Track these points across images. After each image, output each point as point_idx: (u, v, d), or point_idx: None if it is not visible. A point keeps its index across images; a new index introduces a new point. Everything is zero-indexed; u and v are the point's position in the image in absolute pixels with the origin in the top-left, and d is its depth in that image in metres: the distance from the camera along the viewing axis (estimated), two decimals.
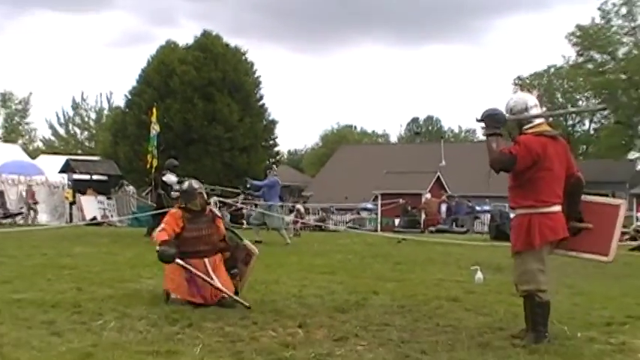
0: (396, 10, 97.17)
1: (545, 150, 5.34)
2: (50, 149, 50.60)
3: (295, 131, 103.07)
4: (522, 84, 55.58)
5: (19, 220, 22.46)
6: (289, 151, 78.90)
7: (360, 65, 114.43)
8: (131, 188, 26.96)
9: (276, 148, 41.08)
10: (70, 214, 24.44)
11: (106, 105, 58.30)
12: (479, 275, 8.91)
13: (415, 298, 7.50)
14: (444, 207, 28.99)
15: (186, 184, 7.41)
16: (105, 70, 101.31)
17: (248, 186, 18.06)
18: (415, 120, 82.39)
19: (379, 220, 31.09)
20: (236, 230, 8.66)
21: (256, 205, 17.43)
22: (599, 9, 49.40)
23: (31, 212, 24.12)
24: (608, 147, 52.72)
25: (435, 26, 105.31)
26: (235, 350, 5.17)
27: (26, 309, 6.40)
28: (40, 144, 59.44)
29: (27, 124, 61.62)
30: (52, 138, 59.38)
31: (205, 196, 7.44)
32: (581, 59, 51.85)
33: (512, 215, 6.53)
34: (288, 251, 13.60)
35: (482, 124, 5.48)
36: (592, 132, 59.06)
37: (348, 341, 5.52)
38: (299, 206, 29.78)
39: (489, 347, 5.33)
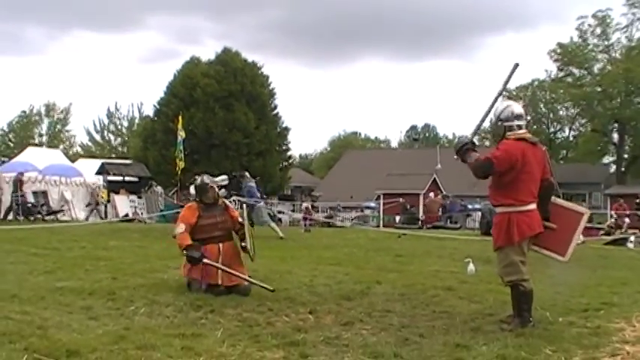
0: (397, 29, 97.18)
1: (525, 155, 5.33)
2: (87, 154, 50.77)
3: (306, 137, 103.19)
4: (509, 95, 55.39)
5: (60, 216, 22.44)
6: (300, 155, 78.81)
7: (365, 78, 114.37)
8: (159, 188, 26.99)
9: (288, 153, 41.27)
10: (105, 212, 24.50)
11: (137, 114, 58.64)
12: (471, 267, 8.88)
13: (414, 287, 7.48)
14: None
15: (198, 180, 7.32)
16: (136, 83, 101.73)
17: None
18: (414, 127, 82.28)
19: (381, 217, 31.03)
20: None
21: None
22: (577, 29, 49.56)
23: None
24: (586, 152, 52.75)
25: (433, 44, 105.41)
26: (253, 334, 5.18)
27: (67, 296, 6.43)
28: (79, 149, 59.69)
29: (67, 131, 62.21)
30: (89, 144, 59.59)
31: (216, 189, 7.38)
32: (561, 74, 52.00)
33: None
34: (300, 245, 13.59)
35: (456, 157, 5.55)
36: (571, 138, 58.94)
37: (354, 326, 5.53)
38: (306, 204, 29.83)
39: (480, 331, 5.32)
